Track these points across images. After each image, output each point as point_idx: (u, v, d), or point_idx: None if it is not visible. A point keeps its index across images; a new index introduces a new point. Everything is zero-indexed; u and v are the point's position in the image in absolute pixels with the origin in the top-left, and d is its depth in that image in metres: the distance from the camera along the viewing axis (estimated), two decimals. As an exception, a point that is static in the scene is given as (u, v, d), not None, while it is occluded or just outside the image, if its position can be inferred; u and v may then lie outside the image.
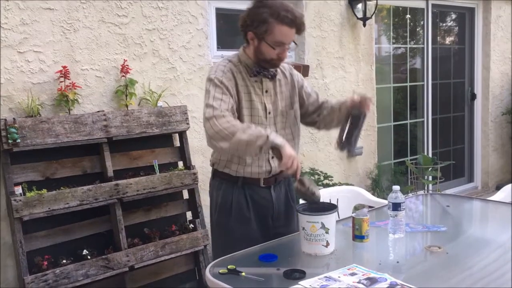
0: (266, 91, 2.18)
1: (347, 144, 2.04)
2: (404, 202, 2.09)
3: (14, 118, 2.74)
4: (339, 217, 2.88)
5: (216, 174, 2.26)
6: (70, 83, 3.00)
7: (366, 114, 2.05)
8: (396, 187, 2.14)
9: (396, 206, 2.06)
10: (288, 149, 1.93)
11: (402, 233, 2.08)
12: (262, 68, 2.13)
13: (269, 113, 2.17)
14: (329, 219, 1.91)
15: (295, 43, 2.11)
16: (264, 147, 1.93)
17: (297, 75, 2.32)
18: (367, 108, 2.06)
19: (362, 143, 4.80)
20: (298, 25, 2.04)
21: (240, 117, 2.10)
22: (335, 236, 1.94)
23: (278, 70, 2.23)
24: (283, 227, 2.26)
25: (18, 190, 2.74)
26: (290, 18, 2.00)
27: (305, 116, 2.36)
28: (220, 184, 2.22)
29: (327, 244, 1.91)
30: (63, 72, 2.97)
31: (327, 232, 1.90)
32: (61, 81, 2.99)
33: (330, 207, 2.00)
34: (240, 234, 2.15)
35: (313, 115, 2.35)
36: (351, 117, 2.08)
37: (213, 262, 1.90)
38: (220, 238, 2.24)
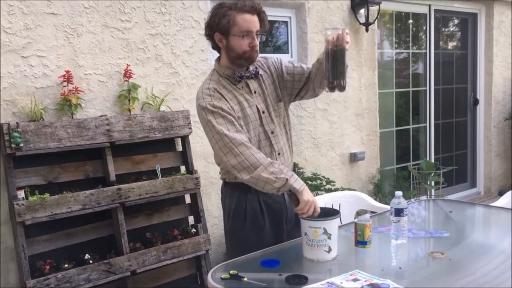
0: (255, 92, 2.16)
1: (334, 81, 1.94)
2: (406, 207, 2.08)
3: (17, 122, 2.75)
4: (341, 223, 2.87)
5: (228, 182, 2.24)
6: (73, 88, 3.01)
7: (344, 47, 1.93)
8: (399, 193, 2.14)
9: (398, 212, 2.06)
10: (305, 195, 1.95)
11: (404, 238, 2.08)
12: (241, 69, 2.12)
13: (263, 112, 2.16)
14: (332, 225, 1.90)
15: (265, 34, 2.11)
16: (281, 189, 1.97)
17: (274, 62, 2.28)
18: (344, 42, 1.96)
19: (364, 148, 4.80)
20: (258, 12, 2.05)
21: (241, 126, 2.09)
22: (338, 242, 1.94)
23: (258, 64, 2.21)
24: (294, 230, 2.26)
25: (21, 194, 2.74)
26: (248, 5, 2.02)
27: (301, 91, 2.29)
28: (233, 192, 2.20)
29: (329, 250, 1.90)
30: (66, 77, 2.99)
31: (329, 238, 1.89)
32: (64, 86, 3.00)
33: (332, 213, 1.99)
34: (255, 241, 2.13)
35: (307, 85, 2.27)
36: (330, 54, 1.95)
37: (215, 267, 1.90)
38: (236, 245, 2.21)
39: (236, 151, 1.98)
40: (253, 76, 2.16)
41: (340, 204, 3.00)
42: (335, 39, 1.92)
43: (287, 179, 1.95)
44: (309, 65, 2.28)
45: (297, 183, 1.97)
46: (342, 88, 1.95)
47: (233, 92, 2.12)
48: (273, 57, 2.31)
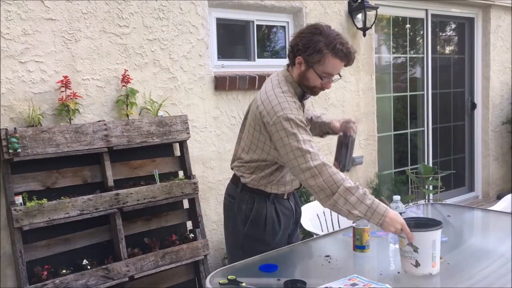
0: (303, 112, 2.20)
1: (342, 167, 2.13)
2: (404, 212, 2.08)
3: (15, 128, 2.74)
4: (339, 227, 2.87)
5: (246, 188, 2.21)
6: (71, 93, 3.01)
7: (353, 137, 2.15)
8: (397, 197, 2.13)
9: None
10: (386, 227, 1.84)
11: None
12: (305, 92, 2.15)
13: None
14: (419, 238, 1.75)
15: (340, 75, 2.09)
16: (356, 219, 1.90)
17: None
18: (352, 132, 2.12)
19: (362, 153, 4.81)
20: (350, 59, 2.03)
21: None
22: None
23: None
24: (293, 231, 2.36)
25: (19, 199, 2.74)
26: (344, 52, 1.99)
27: None
28: (251, 198, 2.19)
29: (417, 264, 1.76)
30: (64, 82, 2.99)
31: (415, 251, 1.75)
32: (62, 91, 3.00)
33: (431, 224, 1.83)
34: (272, 245, 2.18)
35: None
36: (339, 141, 2.22)
37: (213, 272, 1.89)
38: (253, 248, 2.18)
39: (315, 170, 1.91)
40: (306, 98, 2.22)
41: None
42: (345, 128, 2.09)
43: (361, 216, 1.86)
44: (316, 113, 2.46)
45: (375, 217, 1.85)
46: (347, 171, 2.05)
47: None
48: None
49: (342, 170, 2.06)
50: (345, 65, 2.06)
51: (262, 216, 2.18)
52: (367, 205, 1.85)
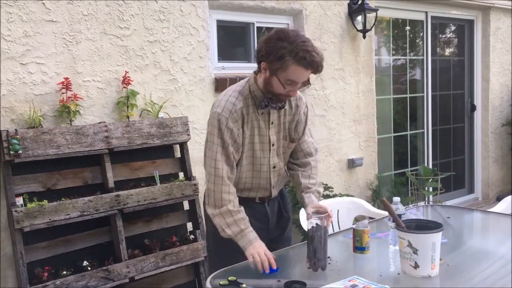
0: (272, 123, 2.12)
1: (317, 261, 1.89)
2: (404, 213, 2.09)
3: (16, 129, 2.75)
4: (339, 228, 2.88)
5: None
6: (72, 95, 3.02)
7: (320, 233, 1.89)
8: (397, 199, 2.14)
9: None
10: (249, 250, 1.95)
11: None
12: (271, 100, 2.05)
13: (273, 145, 2.14)
14: (418, 239, 1.76)
15: (309, 83, 2.07)
16: (225, 235, 2.03)
17: (304, 112, 2.24)
18: (327, 223, 1.92)
19: (362, 154, 4.82)
20: (315, 68, 1.93)
21: (242, 152, 2.09)
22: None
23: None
24: (278, 236, 2.30)
25: (19, 201, 2.74)
26: (307, 60, 1.88)
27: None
28: None
29: (416, 266, 1.77)
30: (65, 84, 2.99)
31: (415, 253, 1.76)
32: (63, 93, 3.01)
33: (432, 227, 1.84)
34: (235, 245, 2.11)
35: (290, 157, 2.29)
36: (307, 235, 1.96)
37: (213, 274, 1.90)
38: (216, 248, 2.23)
39: (213, 179, 2.03)
40: (277, 108, 2.10)
41: (338, 210, 3.00)
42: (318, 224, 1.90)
43: (231, 236, 2.00)
44: (310, 150, 2.30)
45: (243, 241, 1.98)
46: (322, 269, 1.89)
47: (253, 115, 2.07)
48: (307, 110, 2.27)
49: (315, 269, 1.87)
50: (313, 73, 1.96)
51: None
52: (240, 229, 1.99)
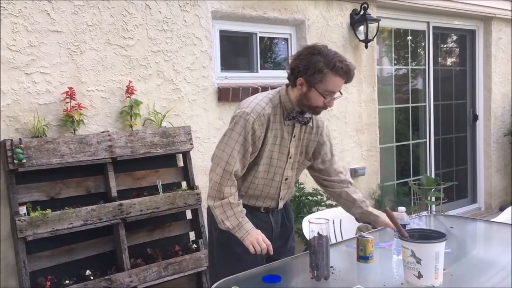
0: (294, 136, 2.18)
1: (320, 271, 1.88)
2: (409, 223, 2.08)
3: (20, 139, 2.77)
4: (342, 238, 2.88)
5: None
6: (76, 104, 3.03)
7: (321, 242, 1.87)
8: (402, 208, 2.13)
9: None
10: (246, 240, 2.02)
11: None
12: (299, 113, 2.13)
13: (290, 157, 2.20)
14: (423, 249, 1.75)
15: (341, 93, 2.12)
16: (222, 227, 2.08)
17: (325, 131, 2.31)
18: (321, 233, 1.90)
19: (364, 164, 4.82)
20: (350, 77, 2.06)
21: (258, 159, 2.12)
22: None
23: (314, 118, 2.25)
24: (280, 247, 2.28)
25: (23, 210, 2.75)
26: (344, 70, 2.02)
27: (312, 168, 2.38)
28: None
29: (420, 276, 1.76)
30: (69, 93, 3.01)
31: (418, 262, 1.75)
32: (67, 102, 3.03)
33: (435, 237, 1.83)
34: (240, 253, 2.14)
35: (319, 174, 2.37)
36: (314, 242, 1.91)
37: (216, 283, 1.90)
38: (221, 256, 2.23)
39: (222, 172, 2.05)
40: (303, 122, 2.17)
41: (341, 220, 3.00)
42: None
43: (230, 228, 2.04)
44: (339, 168, 2.38)
45: (240, 231, 2.04)
46: (326, 278, 1.89)
47: (277, 124, 2.13)
48: (328, 133, 2.35)
49: (318, 279, 1.87)
50: (345, 82, 2.08)
51: None
52: (238, 221, 2.04)
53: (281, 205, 2.28)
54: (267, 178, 2.18)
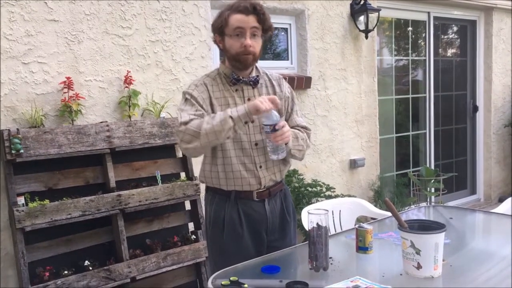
0: (249, 99, 2.12)
1: (319, 261, 1.84)
2: (277, 122, 1.95)
3: (17, 129, 2.75)
4: (341, 229, 2.87)
5: (209, 188, 2.22)
6: (73, 94, 3.02)
7: (320, 232, 1.83)
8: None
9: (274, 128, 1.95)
10: (254, 103, 1.91)
11: (284, 152, 2.02)
12: (241, 72, 2.12)
13: (252, 121, 2.09)
14: (421, 240, 1.74)
15: (271, 30, 2.11)
16: (236, 127, 1.94)
17: (286, 90, 2.24)
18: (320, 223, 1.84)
19: (364, 155, 4.81)
20: (256, 12, 2.05)
21: None
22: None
23: (264, 77, 2.21)
24: (278, 241, 2.22)
25: (21, 200, 2.74)
26: (243, 5, 2.04)
27: None
28: (213, 199, 2.18)
29: (419, 267, 1.74)
30: (67, 83, 2.99)
31: (417, 253, 1.74)
32: (65, 92, 3.01)
33: (434, 227, 1.81)
34: (233, 249, 2.12)
35: None
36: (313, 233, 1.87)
37: (215, 274, 1.89)
38: (214, 252, 2.22)
39: (182, 128, 1.97)
40: (251, 83, 2.14)
41: (340, 211, 3.00)
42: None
43: (230, 116, 1.91)
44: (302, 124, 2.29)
45: (240, 110, 1.93)
46: (325, 268, 1.85)
47: (224, 92, 2.12)
48: (291, 90, 2.29)
49: (317, 270, 1.83)
50: (258, 20, 2.05)
51: (221, 217, 2.14)
52: (229, 112, 1.93)
53: (265, 180, 2.14)
54: (236, 148, 2.10)
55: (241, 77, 2.13)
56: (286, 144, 2.05)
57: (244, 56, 2.07)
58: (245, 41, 2.05)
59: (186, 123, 1.98)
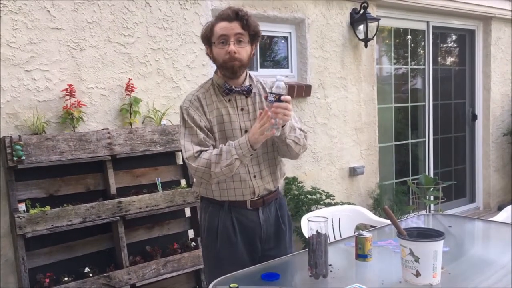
0: (242, 109, 2.13)
1: (318, 269, 1.85)
2: (284, 94, 1.92)
3: (19, 136, 2.77)
4: (341, 236, 2.88)
5: (203, 198, 2.23)
6: (75, 101, 3.04)
7: (319, 240, 1.83)
8: (281, 77, 1.96)
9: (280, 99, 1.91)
10: (255, 139, 1.96)
11: (279, 130, 1.98)
12: (233, 82, 2.11)
13: (246, 131, 2.09)
14: (420, 248, 1.74)
15: (252, 38, 2.10)
16: (243, 161, 2.01)
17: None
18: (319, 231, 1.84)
19: (363, 163, 4.82)
20: (239, 18, 2.05)
21: (214, 141, 2.09)
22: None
23: (258, 85, 2.20)
24: (273, 250, 2.21)
25: (22, 207, 2.75)
26: (226, 13, 2.05)
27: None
28: (207, 207, 2.19)
29: (418, 274, 1.75)
30: (68, 91, 3.01)
31: (416, 261, 1.74)
32: (67, 99, 3.03)
33: (433, 235, 1.81)
34: (227, 257, 2.12)
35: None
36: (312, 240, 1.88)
37: (215, 281, 1.90)
38: (209, 260, 2.22)
39: (193, 166, 2.03)
40: (244, 92, 2.13)
41: (339, 218, 3.01)
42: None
43: (237, 158, 1.97)
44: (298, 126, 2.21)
45: (244, 148, 1.97)
46: (324, 276, 1.86)
47: (218, 103, 2.12)
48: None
49: (316, 277, 1.84)
50: (243, 26, 2.05)
51: (215, 225, 2.14)
52: (234, 147, 1.99)
53: (259, 190, 2.13)
54: None
55: (233, 87, 2.12)
56: (282, 127, 2.03)
57: (230, 63, 2.06)
58: (229, 48, 2.05)
59: (193, 158, 2.03)
